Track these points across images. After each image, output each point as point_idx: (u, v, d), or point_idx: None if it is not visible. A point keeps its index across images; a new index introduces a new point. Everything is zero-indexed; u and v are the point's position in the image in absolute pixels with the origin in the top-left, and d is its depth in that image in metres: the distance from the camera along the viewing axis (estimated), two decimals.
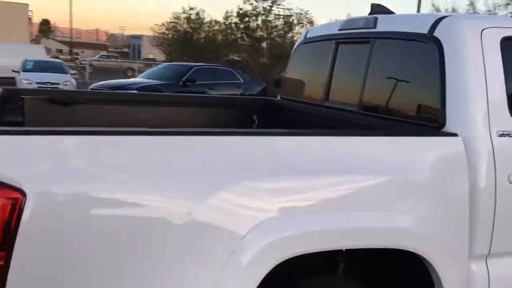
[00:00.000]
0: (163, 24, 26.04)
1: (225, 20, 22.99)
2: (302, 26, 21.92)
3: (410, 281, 2.28)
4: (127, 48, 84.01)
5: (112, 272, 1.58)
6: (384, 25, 2.75)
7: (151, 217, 1.60)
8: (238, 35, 22.42)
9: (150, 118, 3.40)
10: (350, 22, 3.05)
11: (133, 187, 1.60)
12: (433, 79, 2.30)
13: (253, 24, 21.49)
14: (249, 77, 16.25)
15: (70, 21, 48.35)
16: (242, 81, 14.70)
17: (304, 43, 3.51)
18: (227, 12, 22.76)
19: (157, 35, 26.70)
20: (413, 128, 2.32)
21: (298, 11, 22.29)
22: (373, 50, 2.76)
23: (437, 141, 2.15)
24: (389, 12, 2.96)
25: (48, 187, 1.53)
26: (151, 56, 63.11)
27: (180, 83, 12.88)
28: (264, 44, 21.62)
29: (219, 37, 24.90)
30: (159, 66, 14.98)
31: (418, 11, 23.28)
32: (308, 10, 23.24)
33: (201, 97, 4.23)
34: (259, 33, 21.51)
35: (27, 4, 42.41)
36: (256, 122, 3.73)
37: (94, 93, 3.98)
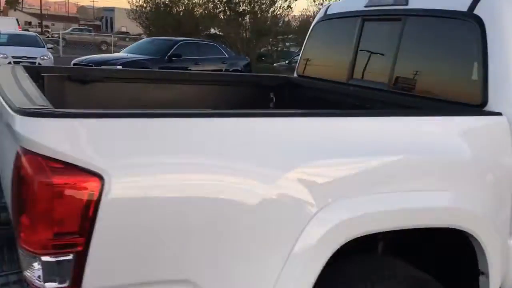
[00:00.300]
0: None
1: None
2: (285, 1, 21.75)
3: (448, 258, 2.32)
4: (98, 20, 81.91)
5: (193, 258, 1.56)
6: (416, 2, 2.73)
7: (229, 199, 1.58)
8: (220, 9, 22.06)
9: (169, 97, 3.34)
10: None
11: (214, 170, 1.56)
12: (474, 58, 2.30)
13: None
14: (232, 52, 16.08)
15: None
16: (227, 56, 14.57)
17: (324, 20, 3.46)
18: None
19: (134, 7, 26.03)
20: (458, 107, 2.33)
21: None
22: (405, 27, 2.75)
23: (482, 120, 2.17)
24: None
25: (128, 171, 1.48)
26: (124, 30, 61.72)
27: (166, 58, 12.68)
28: (246, 19, 21.35)
29: (199, 11, 24.46)
30: (142, 40, 14.68)
31: None
32: None
33: (219, 74, 4.17)
34: (242, 7, 21.20)
35: None
36: (274, 100, 3.70)
37: (111, 71, 3.87)
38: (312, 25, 3.61)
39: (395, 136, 1.95)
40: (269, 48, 22.98)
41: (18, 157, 1.47)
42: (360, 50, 3.09)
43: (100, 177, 1.44)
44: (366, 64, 3.07)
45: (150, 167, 1.52)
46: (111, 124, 1.50)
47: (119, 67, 11.54)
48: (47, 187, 1.42)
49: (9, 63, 15.95)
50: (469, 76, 2.36)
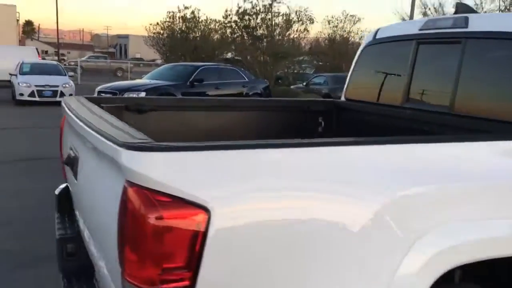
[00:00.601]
0: (157, 24, 25.86)
1: (224, 19, 22.87)
2: (302, 24, 21.93)
3: None
4: (113, 47, 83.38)
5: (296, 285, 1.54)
6: (477, 24, 2.72)
7: (331, 225, 1.56)
8: (238, 34, 22.28)
9: (222, 123, 3.35)
10: (433, 22, 3.02)
11: (316, 196, 1.55)
12: None
13: (253, 23, 21.39)
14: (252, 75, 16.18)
15: (57, 21, 47.60)
16: (247, 79, 14.66)
17: (374, 44, 3.47)
18: (226, 11, 22.68)
19: (151, 34, 26.43)
20: None
21: (297, 8, 22.33)
22: (465, 49, 2.73)
23: None
24: (474, 11, 2.93)
25: (231, 202, 1.47)
26: (138, 56, 62.70)
27: (188, 83, 12.79)
28: (264, 42, 21.54)
29: (215, 36, 24.78)
30: (163, 66, 14.84)
31: (412, 9, 23.43)
32: (307, 7, 23.25)
33: (269, 100, 4.18)
34: (259, 31, 21.42)
35: (14, 5, 41.80)
36: (323, 124, 3.69)
37: (163, 100, 3.90)
38: (361, 49, 3.61)
39: (488, 161, 1.92)
40: (286, 70, 23.11)
41: (124, 191, 1.46)
42: (416, 73, 3.07)
43: (206, 210, 1.43)
44: (423, 87, 3.05)
45: (252, 197, 1.50)
46: (216, 156, 1.50)
47: (143, 93, 11.67)
48: (157, 221, 1.41)
49: (32, 91, 16.26)
50: None
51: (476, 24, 2.73)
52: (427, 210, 1.69)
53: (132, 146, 1.45)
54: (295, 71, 23.61)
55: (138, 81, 13.49)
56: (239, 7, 21.52)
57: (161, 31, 25.65)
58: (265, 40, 21.21)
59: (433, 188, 1.72)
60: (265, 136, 3.29)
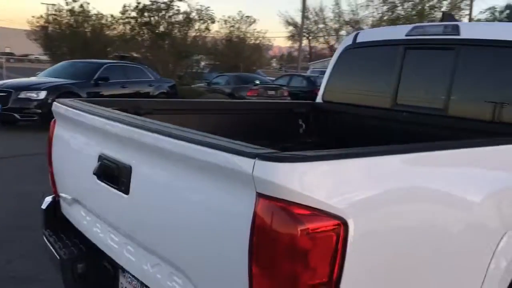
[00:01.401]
0: (41, 17, 23.89)
1: (122, 15, 21.79)
2: (204, 23, 21.71)
3: None
4: None
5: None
6: (469, 32, 2.93)
7: (441, 227, 1.60)
8: (138, 31, 21.37)
9: (209, 125, 3.21)
10: (421, 28, 3.18)
11: (436, 200, 1.58)
12: None
13: (153, 20, 20.65)
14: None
15: None
16: (153, 78, 14.20)
17: (354, 48, 3.57)
18: (124, 6, 21.59)
19: (35, 28, 24.33)
20: None
21: (198, 7, 22.05)
22: (459, 56, 2.93)
23: None
24: (457, 20, 3.15)
25: (365, 211, 1.42)
26: (8, 50, 57.29)
27: (92, 81, 12.03)
28: (166, 41, 20.92)
29: (107, 32, 23.54)
30: (61, 63, 13.71)
31: (303, 13, 24.43)
32: (209, 7, 23.09)
33: (254, 103, 4.08)
34: (160, 29, 20.75)
35: None
36: (303, 126, 3.71)
37: (158, 103, 3.63)
38: (339, 52, 3.69)
39: None
40: (186, 70, 22.73)
41: (258, 205, 1.35)
42: (404, 77, 3.23)
43: (343, 221, 1.37)
44: (414, 90, 3.20)
45: (382, 204, 1.47)
46: (349, 165, 1.44)
47: (44, 92, 10.77)
48: (300, 235, 1.31)
49: None
50: None
51: (468, 32, 2.94)
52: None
53: (267, 157, 1.34)
54: (194, 70, 23.35)
55: (35, 79, 12.37)
56: (138, 3, 20.73)
57: (47, 25, 23.73)
58: (167, 38, 20.63)
59: None
60: (253, 137, 3.23)
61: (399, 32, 3.30)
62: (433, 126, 3.02)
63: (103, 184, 2.03)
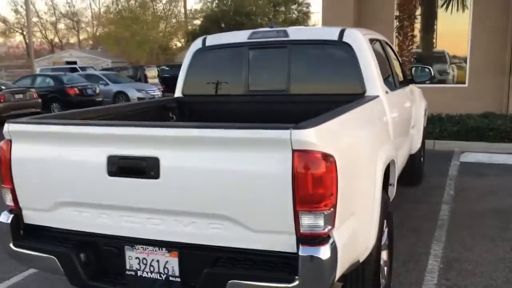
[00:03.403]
0: None
1: None
2: None
3: None
4: None
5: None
6: (296, 35, 4.21)
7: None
8: None
9: None
10: (258, 34, 4.32)
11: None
12: (352, 67, 3.98)
13: None
14: None
15: None
16: None
17: (205, 50, 4.50)
18: None
19: None
20: (354, 95, 3.97)
21: None
22: (291, 52, 4.20)
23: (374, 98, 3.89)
24: (282, 27, 4.42)
25: (344, 149, 2.50)
26: None
27: None
28: None
29: None
30: None
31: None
32: None
33: (134, 104, 4.48)
34: None
35: None
36: (174, 118, 4.48)
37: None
38: (192, 53, 4.54)
39: None
40: None
41: (296, 156, 2.26)
42: (252, 70, 4.34)
43: (335, 157, 2.38)
44: (261, 78, 4.35)
45: (348, 144, 2.59)
46: (332, 123, 2.49)
47: None
48: (322, 169, 2.30)
49: None
50: (352, 78, 4.02)
51: (293, 34, 4.22)
52: None
53: (297, 127, 2.27)
54: None
55: None
56: None
57: None
58: None
59: None
60: None
61: (241, 37, 4.39)
62: (280, 102, 4.25)
63: (119, 178, 2.55)
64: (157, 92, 21.57)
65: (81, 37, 55.97)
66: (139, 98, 20.60)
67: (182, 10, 42.07)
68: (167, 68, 28.46)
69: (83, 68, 29.45)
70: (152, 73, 26.02)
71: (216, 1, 40.75)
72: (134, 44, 35.24)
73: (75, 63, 34.94)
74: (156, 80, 25.16)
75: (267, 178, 2.33)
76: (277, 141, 2.29)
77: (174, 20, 40.19)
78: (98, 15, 50.62)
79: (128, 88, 21.38)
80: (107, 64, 36.98)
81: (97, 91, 19.72)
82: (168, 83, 25.52)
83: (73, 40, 56.91)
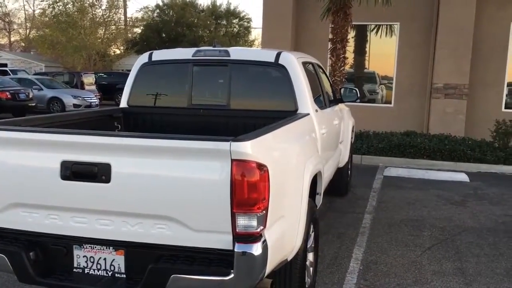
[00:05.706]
0: None
1: None
2: None
3: None
4: None
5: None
6: (236, 55, 4.58)
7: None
8: None
9: None
10: (202, 52, 4.65)
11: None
12: (286, 86, 4.41)
13: None
14: None
15: None
16: None
17: (151, 64, 4.77)
18: None
19: None
20: (290, 112, 4.39)
21: None
22: (232, 70, 4.56)
23: (305, 115, 4.33)
24: (223, 46, 4.78)
25: (275, 159, 2.86)
26: None
27: None
28: None
29: None
30: None
31: None
32: None
33: (81, 113, 4.58)
34: None
35: None
36: (119, 127, 4.70)
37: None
38: (138, 67, 4.79)
39: None
40: None
41: (234, 165, 2.60)
42: (195, 84, 4.67)
43: (268, 166, 2.75)
44: (203, 93, 4.68)
45: (279, 156, 2.95)
46: (266, 138, 2.85)
47: None
48: (256, 177, 2.65)
49: None
50: (285, 97, 4.44)
51: (235, 54, 4.59)
52: None
53: (236, 139, 2.62)
54: None
55: None
56: None
57: None
58: None
59: None
60: None
61: (186, 54, 4.70)
62: (221, 116, 4.60)
63: (72, 182, 2.79)
64: (94, 99, 21.22)
65: (12, 39, 53.73)
66: (75, 105, 20.20)
67: (122, 17, 41.59)
68: (105, 76, 28.03)
69: (14, 72, 28.40)
70: (89, 79, 25.49)
71: (158, 11, 40.88)
72: (71, 49, 34.28)
73: (5, 65, 33.54)
74: (93, 87, 24.67)
75: (208, 184, 2.66)
76: (218, 152, 2.63)
77: (113, 27, 39.50)
78: (32, 17, 48.86)
79: (63, 94, 20.84)
80: (41, 68, 35.78)
81: (31, 96, 19.04)
82: (106, 90, 25.30)
83: (3, 41, 54.46)
